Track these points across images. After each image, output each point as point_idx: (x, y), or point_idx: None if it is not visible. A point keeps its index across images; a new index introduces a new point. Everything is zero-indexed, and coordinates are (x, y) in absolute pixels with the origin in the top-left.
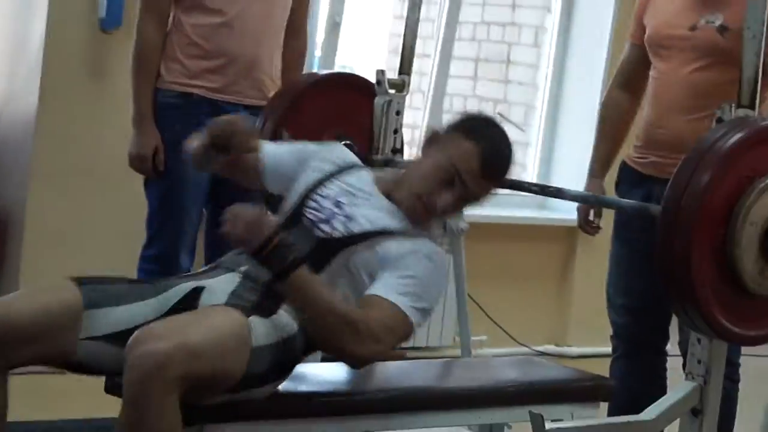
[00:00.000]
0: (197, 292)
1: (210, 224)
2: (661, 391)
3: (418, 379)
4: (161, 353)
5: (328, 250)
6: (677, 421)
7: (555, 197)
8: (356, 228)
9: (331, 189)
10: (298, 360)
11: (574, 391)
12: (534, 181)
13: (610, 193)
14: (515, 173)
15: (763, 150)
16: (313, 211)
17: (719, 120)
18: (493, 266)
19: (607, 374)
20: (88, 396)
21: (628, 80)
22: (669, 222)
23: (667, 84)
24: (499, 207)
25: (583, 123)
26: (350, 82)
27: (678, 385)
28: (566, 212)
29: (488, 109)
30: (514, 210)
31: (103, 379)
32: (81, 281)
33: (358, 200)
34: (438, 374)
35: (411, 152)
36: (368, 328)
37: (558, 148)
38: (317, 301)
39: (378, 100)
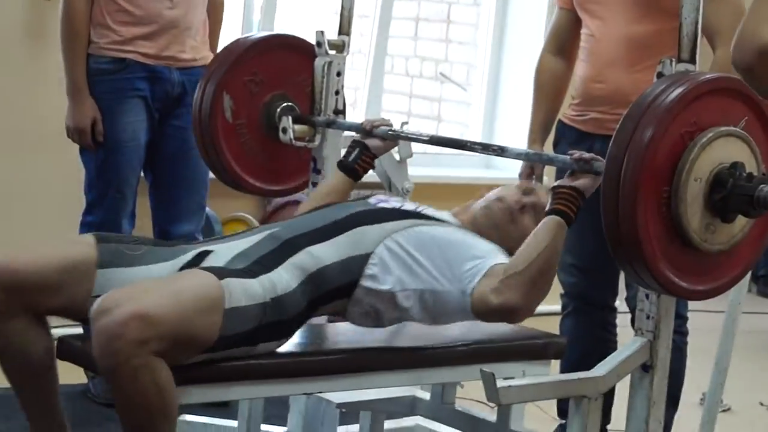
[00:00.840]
0: (203, 255)
1: (154, 187)
2: (612, 347)
3: (370, 340)
4: (116, 323)
5: (389, 214)
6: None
7: (499, 156)
8: (426, 212)
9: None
10: (298, 319)
11: (525, 349)
12: (477, 140)
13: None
14: (458, 133)
15: (705, 104)
16: (381, 197)
17: (660, 75)
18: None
19: (556, 332)
20: None
21: (560, 45)
22: (613, 179)
23: (604, 40)
24: (443, 167)
25: (525, 81)
26: (290, 44)
27: (628, 341)
28: (510, 171)
29: (430, 69)
30: (458, 170)
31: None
32: (100, 239)
33: (427, 208)
34: (389, 335)
35: (353, 114)
36: None
37: (500, 107)
38: (558, 254)
39: (318, 62)
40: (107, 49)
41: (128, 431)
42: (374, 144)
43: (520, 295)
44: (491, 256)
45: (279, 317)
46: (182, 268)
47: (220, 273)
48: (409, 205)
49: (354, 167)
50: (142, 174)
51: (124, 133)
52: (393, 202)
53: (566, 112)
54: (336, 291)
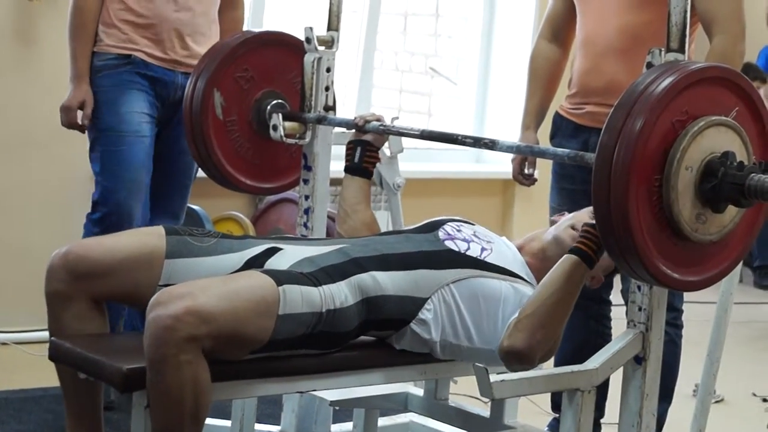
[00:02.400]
0: (272, 251)
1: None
2: (606, 340)
3: (362, 337)
4: (170, 316)
5: (452, 260)
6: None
7: (489, 149)
8: (489, 259)
9: (469, 228)
10: (347, 336)
11: None
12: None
13: (545, 145)
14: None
15: (695, 93)
16: (452, 227)
17: (649, 65)
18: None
19: None
20: (31, 366)
21: (556, 32)
22: (604, 169)
23: (598, 30)
24: (434, 161)
25: (515, 74)
26: (279, 40)
27: (621, 333)
28: (501, 164)
29: (420, 64)
30: (449, 164)
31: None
32: (169, 230)
33: (494, 243)
34: None
35: (343, 110)
36: None
37: (491, 100)
38: (573, 296)
39: (308, 58)
40: (113, 47)
41: (156, 427)
42: (370, 136)
43: (526, 336)
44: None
45: (330, 329)
46: (249, 261)
47: (280, 278)
48: (474, 249)
49: (363, 167)
50: None
51: (126, 123)
52: (459, 242)
53: (563, 104)
54: (387, 322)
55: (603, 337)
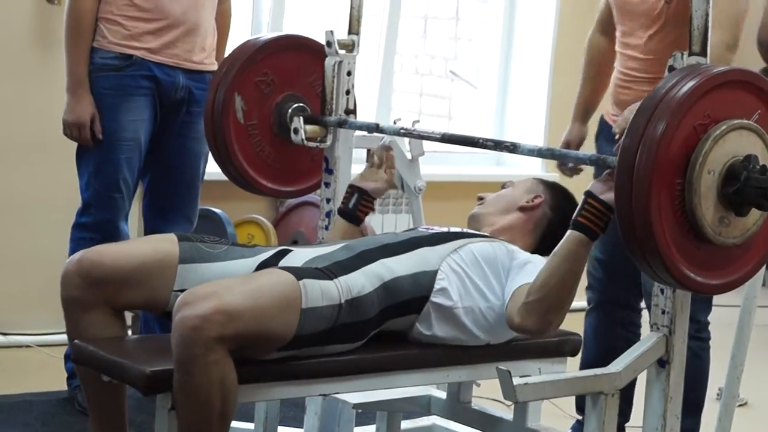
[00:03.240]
0: (282, 254)
1: (149, 189)
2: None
3: (385, 339)
4: (198, 316)
5: (444, 237)
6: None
7: (510, 152)
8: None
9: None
10: (371, 323)
11: (541, 347)
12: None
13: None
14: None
15: (717, 96)
16: (426, 227)
17: (671, 68)
18: (452, 225)
19: (576, 328)
20: (53, 368)
21: (606, 27)
22: (626, 174)
23: (628, 49)
24: (454, 165)
25: (534, 77)
26: (300, 44)
27: (644, 336)
28: (522, 168)
29: (440, 67)
30: (469, 167)
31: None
32: (181, 237)
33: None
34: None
35: (364, 113)
36: None
37: (511, 103)
38: (580, 271)
39: (328, 61)
40: (114, 44)
41: (183, 428)
42: (371, 187)
43: (538, 318)
44: (523, 271)
45: (353, 319)
46: (261, 265)
47: (298, 273)
48: (454, 228)
49: (355, 214)
50: None
51: (125, 131)
52: (438, 228)
53: (607, 108)
54: (408, 304)
55: (629, 343)
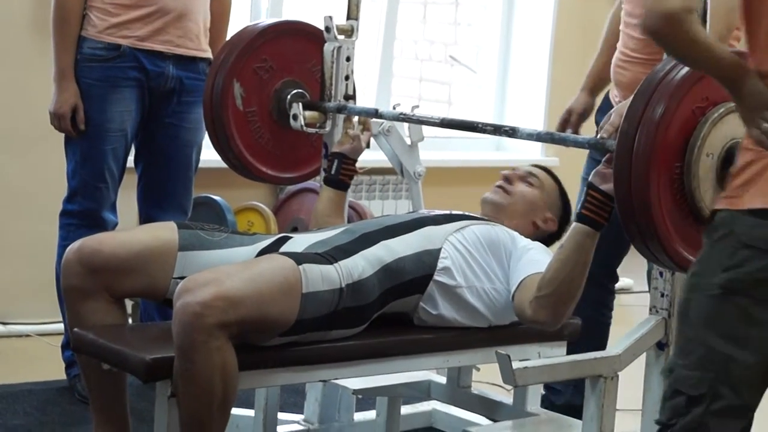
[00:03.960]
0: (282, 240)
1: (143, 178)
2: (602, 329)
3: (384, 325)
4: (199, 302)
5: (447, 217)
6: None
7: (510, 137)
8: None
9: None
10: (373, 306)
11: (540, 331)
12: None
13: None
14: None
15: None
16: (429, 210)
17: None
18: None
19: None
20: (54, 357)
21: None
22: (624, 157)
23: (629, 26)
24: (454, 150)
25: (534, 61)
26: (299, 30)
27: (643, 319)
28: (522, 152)
29: (439, 52)
30: (469, 152)
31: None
32: (181, 225)
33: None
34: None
35: (364, 99)
36: None
37: (510, 88)
38: (588, 262)
39: (327, 47)
40: (103, 34)
41: (185, 415)
42: (348, 148)
43: (550, 311)
44: (529, 259)
45: (355, 303)
46: (261, 252)
47: (299, 258)
48: (455, 210)
49: (339, 179)
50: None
51: (112, 122)
52: (439, 210)
53: (611, 89)
54: (410, 284)
55: (599, 325)
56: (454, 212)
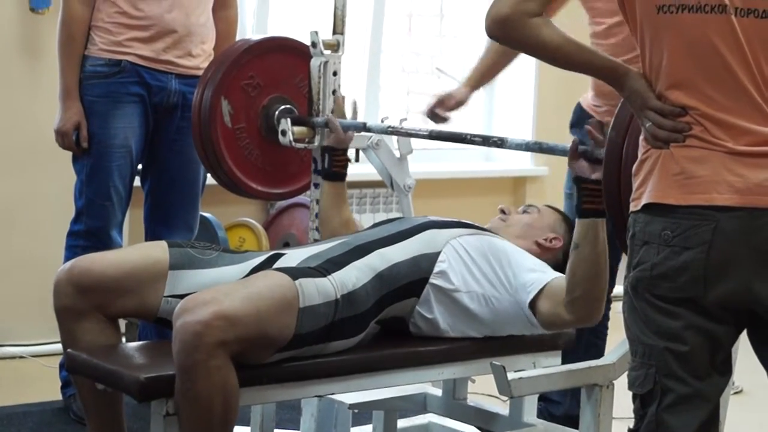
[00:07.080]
0: (275, 258)
1: (150, 196)
2: (600, 335)
3: (379, 338)
4: (199, 322)
5: (452, 223)
6: None
7: (498, 147)
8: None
9: None
10: (370, 313)
11: (535, 341)
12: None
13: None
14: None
15: None
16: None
17: None
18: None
19: None
20: (49, 379)
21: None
22: (613, 166)
23: (600, 39)
24: (443, 161)
25: (521, 72)
26: (285, 46)
27: None
28: (511, 163)
29: (425, 64)
30: (459, 164)
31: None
32: (172, 244)
33: None
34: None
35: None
36: None
37: (498, 99)
38: (606, 252)
39: (314, 62)
40: (104, 51)
41: None
42: (332, 141)
43: (588, 311)
44: (541, 269)
45: (350, 313)
46: (254, 270)
47: (294, 273)
48: (465, 221)
49: (333, 171)
50: (137, 183)
51: (116, 138)
52: (450, 219)
53: (587, 97)
54: (406, 288)
55: (594, 333)
56: (463, 221)
